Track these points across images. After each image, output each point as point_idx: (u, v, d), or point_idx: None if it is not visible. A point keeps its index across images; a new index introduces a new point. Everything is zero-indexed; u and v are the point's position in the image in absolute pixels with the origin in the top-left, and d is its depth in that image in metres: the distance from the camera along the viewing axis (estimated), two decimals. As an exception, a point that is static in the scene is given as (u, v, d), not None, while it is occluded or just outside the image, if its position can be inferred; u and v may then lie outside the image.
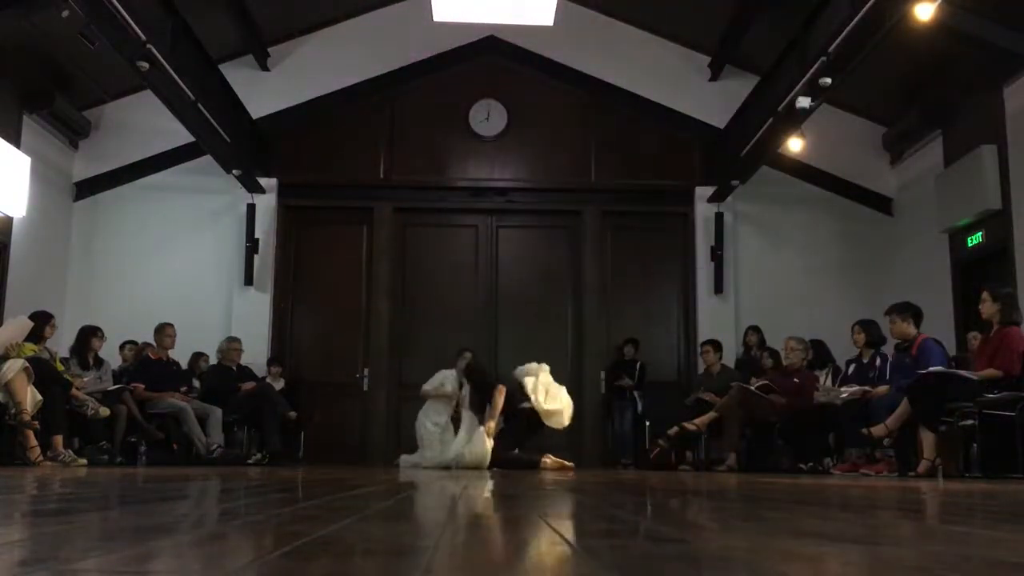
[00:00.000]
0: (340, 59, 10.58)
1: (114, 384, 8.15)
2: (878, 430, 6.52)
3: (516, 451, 8.28)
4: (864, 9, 6.63)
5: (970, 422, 6.06)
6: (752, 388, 8.25)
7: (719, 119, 10.33)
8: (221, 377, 9.11)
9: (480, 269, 10.69)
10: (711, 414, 8.28)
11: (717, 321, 10.15)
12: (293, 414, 9.01)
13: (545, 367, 8.51)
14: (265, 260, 10.28)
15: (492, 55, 10.76)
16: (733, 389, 8.26)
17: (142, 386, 8.25)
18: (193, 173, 10.32)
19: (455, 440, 8.30)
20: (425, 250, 10.77)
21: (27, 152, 9.04)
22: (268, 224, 10.34)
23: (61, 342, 8.51)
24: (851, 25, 6.83)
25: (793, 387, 8.11)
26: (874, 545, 1.62)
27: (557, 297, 10.66)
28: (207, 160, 9.68)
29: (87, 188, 10.40)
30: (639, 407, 9.76)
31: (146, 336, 8.88)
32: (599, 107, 10.76)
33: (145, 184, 10.43)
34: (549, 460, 7.95)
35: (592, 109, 10.76)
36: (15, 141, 8.93)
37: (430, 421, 8.55)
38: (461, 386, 8.66)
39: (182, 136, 9.38)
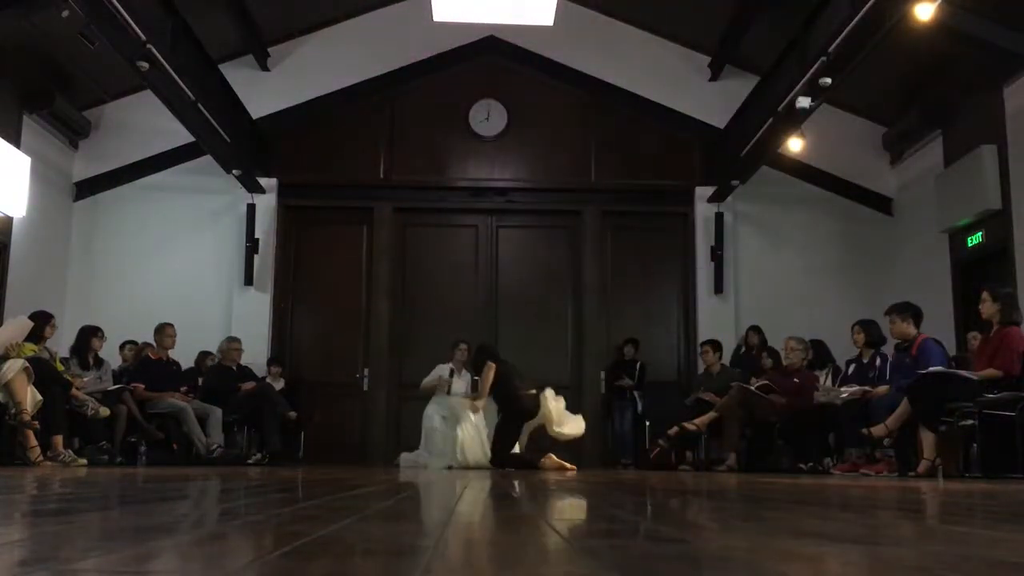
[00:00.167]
0: (340, 59, 10.58)
1: (114, 384, 8.15)
2: (878, 430, 6.52)
3: (516, 450, 8.26)
4: (864, 9, 6.63)
5: (970, 422, 6.05)
6: (752, 388, 8.25)
7: (719, 119, 10.33)
8: (221, 377, 9.11)
9: (480, 269, 10.70)
10: (711, 414, 8.28)
11: (717, 321, 10.15)
12: (293, 414, 9.01)
13: (551, 392, 8.38)
14: (265, 260, 10.28)
15: (492, 55, 10.76)
16: (733, 389, 8.26)
17: (142, 386, 8.25)
18: (193, 173, 10.32)
19: (456, 438, 8.28)
20: (425, 250, 10.78)
21: (27, 152, 9.04)
22: (268, 224, 10.34)
23: (61, 342, 8.50)
24: (851, 25, 6.83)
25: (793, 387, 8.11)
26: (874, 545, 1.62)
27: (557, 297, 10.66)
28: (207, 160, 9.68)
29: (87, 188, 10.40)
30: (639, 407, 9.77)
31: (146, 336, 8.88)
32: (599, 107, 10.76)
33: (145, 184, 10.43)
34: (549, 460, 7.94)
35: (592, 109, 10.76)
36: (15, 141, 8.93)
37: (438, 416, 8.58)
38: (451, 373, 8.85)
39: (182, 136, 9.38)
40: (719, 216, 10.35)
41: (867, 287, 10.00)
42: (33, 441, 6.45)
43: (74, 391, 7.15)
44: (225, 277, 10.26)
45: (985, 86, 8.54)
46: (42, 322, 7.27)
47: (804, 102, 7.77)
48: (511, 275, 10.68)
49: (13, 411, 6.41)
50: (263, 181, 10.25)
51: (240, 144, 9.55)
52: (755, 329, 9.70)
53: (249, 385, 9.06)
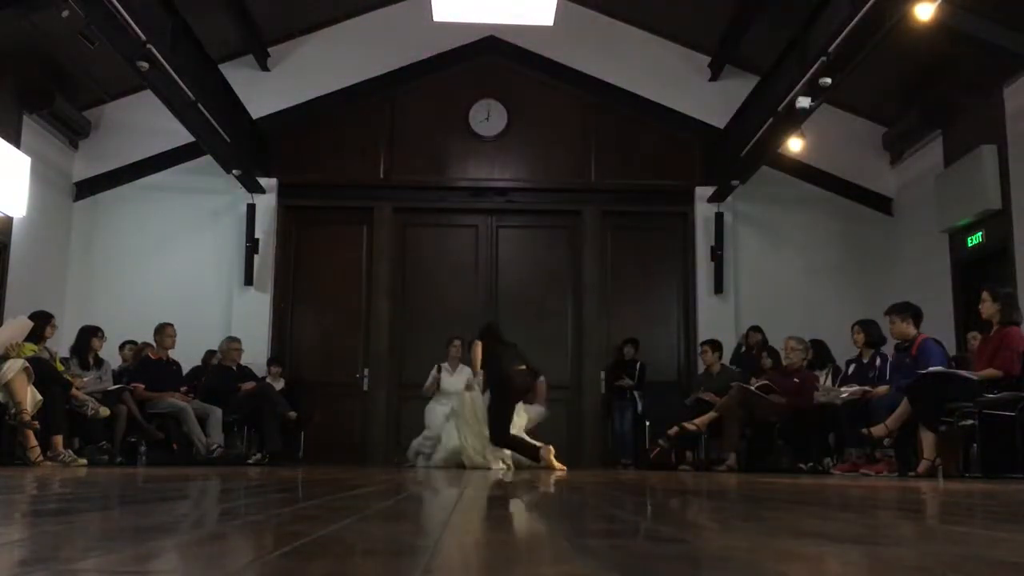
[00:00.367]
0: (340, 59, 10.58)
1: (114, 384, 8.14)
2: (878, 430, 6.52)
3: (514, 434, 8.13)
4: (864, 9, 6.63)
5: (970, 422, 6.05)
6: (752, 388, 8.25)
7: (719, 119, 10.33)
8: (221, 377, 9.11)
9: (480, 269, 10.70)
10: (711, 414, 8.28)
11: (717, 321, 10.15)
12: (293, 414, 9.01)
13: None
14: (265, 260, 10.28)
15: (492, 55, 10.76)
16: (733, 389, 8.26)
17: (142, 386, 8.25)
18: (193, 173, 10.33)
19: (455, 438, 8.26)
20: (425, 250, 10.78)
21: (27, 152, 9.04)
22: (268, 224, 10.34)
23: (61, 342, 8.50)
24: (851, 25, 6.83)
25: (793, 387, 8.11)
26: (874, 545, 1.62)
27: (557, 297, 10.66)
28: (207, 160, 9.68)
29: (87, 188, 10.40)
30: (639, 407, 9.77)
31: (146, 336, 8.88)
32: (599, 107, 10.76)
33: (145, 184, 10.43)
34: (547, 452, 7.81)
35: (592, 109, 10.76)
36: (15, 141, 8.93)
37: (441, 412, 8.62)
38: (439, 370, 9.01)
39: (182, 136, 9.38)
40: (719, 216, 10.35)
41: (867, 287, 10.00)
42: (33, 441, 6.45)
43: (74, 391, 7.15)
44: (225, 277, 10.26)
45: (985, 86, 8.54)
46: (42, 322, 7.27)
47: (804, 102, 7.77)
48: (511, 275, 10.68)
49: (13, 411, 6.41)
50: (263, 181, 10.25)
51: (240, 144, 9.56)
52: (756, 329, 9.70)
53: (249, 385, 9.06)
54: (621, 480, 5.35)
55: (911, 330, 6.96)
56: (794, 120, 8.35)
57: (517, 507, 2.77)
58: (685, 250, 10.61)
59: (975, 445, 6.15)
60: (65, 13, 6.67)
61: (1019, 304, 6.49)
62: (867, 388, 7.11)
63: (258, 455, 8.80)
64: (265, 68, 10.58)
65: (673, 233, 10.75)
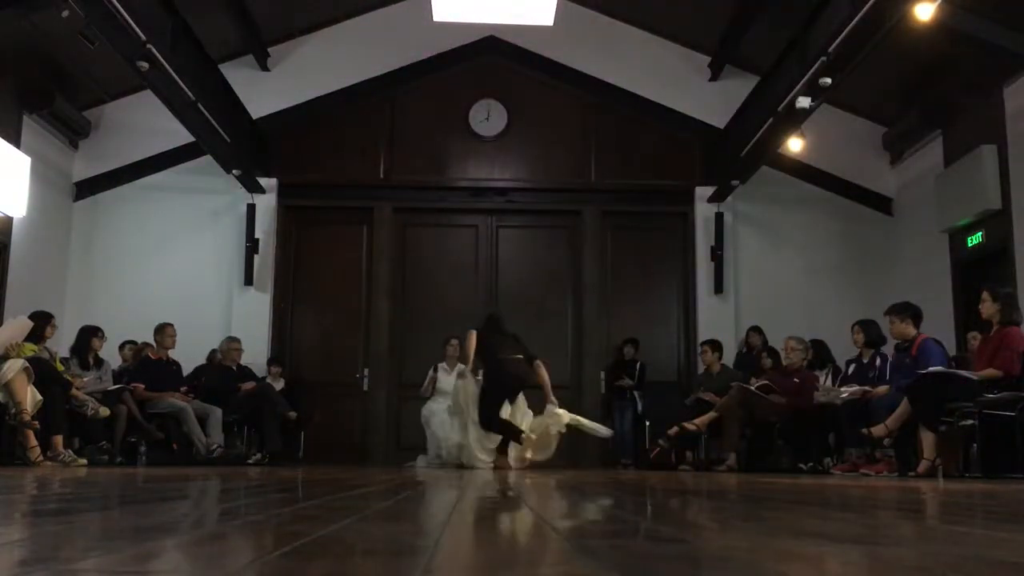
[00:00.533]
0: (340, 59, 10.58)
1: (114, 384, 8.15)
2: (878, 430, 6.52)
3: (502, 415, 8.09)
4: (864, 9, 6.63)
5: (970, 422, 6.05)
6: (752, 388, 8.25)
7: (719, 119, 10.33)
8: (221, 377, 9.11)
9: (480, 269, 10.70)
10: (711, 414, 8.28)
11: (717, 321, 10.15)
12: (293, 414, 9.01)
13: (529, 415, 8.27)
14: (265, 260, 10.28)
15: (492, 55, 10.76)
16: (733, 389, 8.26)
17: (142, 386, 8.25)
18: (193, 173, 10.33)
19: (453, 437, 8.26)
20: (425, 250, 10.78)
21: (27, 152, 9.04)
22: (268, 224, 10.34)
23: (61, 342, 8.50)
24: (851, 25, 6.83)
25: (793, 387, 8.11)
26: (874, 545, 1.62)
27: (557, 297, 10.66)
28: (207, 160, 9.68)
29: (87, 188, 10.40)
30: (639, 407, 9.77)
31: (146, 336, 8.88)
32: (599, 107, 10.76)
33: (145, 184, 10.43)
34: (526, 440, 7.85)
35: (592, 109, 10.76)
36: (15, 141, 8.93)
37: (439, 412, 8.63)
38: (435, 369, 9.10)
39: (182, 136, 9.38)
40: (719, 216, 10.35)
41: (867, 287, 10.00)
42: (33, 441, 6.45)
43: (74, 391, 7.15)
44: (225, 277, 10.26)
45: (985, 86, 8.54)
46: (42, 322, 7.27)
47: (804, 102, 7.77)
48: (511, 275, 10.68)
49: (13, 411, 6.41)
50: (263, 181, 10.25)
51: (240, 144, 9.55)
52: (756, 329, 9.70)
53: (249, 385, 9.06)
54: (621, 480, 5.35)
55: (911, 330, 6.96)
56: (794, 120, 8.35)
57: (517, 507, 2.77)
58: (685, 250, 10.61)
59: (975, 445, 6.15)
60: (65, 13, 6.67)
61: (1019, 304, 6.49)
62: (867, 388, 7.11)
63: (258, 455, 8.80)
64: (265, 68, 10.58)
65: (673, 233, 10.75)
